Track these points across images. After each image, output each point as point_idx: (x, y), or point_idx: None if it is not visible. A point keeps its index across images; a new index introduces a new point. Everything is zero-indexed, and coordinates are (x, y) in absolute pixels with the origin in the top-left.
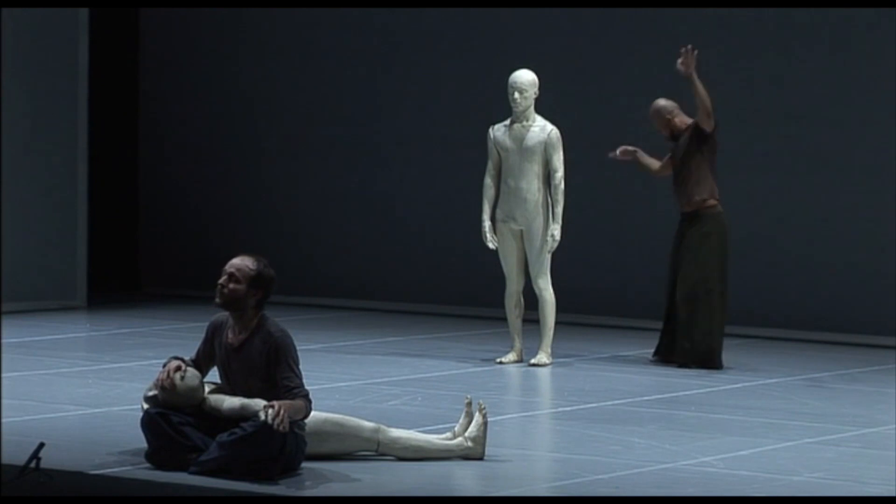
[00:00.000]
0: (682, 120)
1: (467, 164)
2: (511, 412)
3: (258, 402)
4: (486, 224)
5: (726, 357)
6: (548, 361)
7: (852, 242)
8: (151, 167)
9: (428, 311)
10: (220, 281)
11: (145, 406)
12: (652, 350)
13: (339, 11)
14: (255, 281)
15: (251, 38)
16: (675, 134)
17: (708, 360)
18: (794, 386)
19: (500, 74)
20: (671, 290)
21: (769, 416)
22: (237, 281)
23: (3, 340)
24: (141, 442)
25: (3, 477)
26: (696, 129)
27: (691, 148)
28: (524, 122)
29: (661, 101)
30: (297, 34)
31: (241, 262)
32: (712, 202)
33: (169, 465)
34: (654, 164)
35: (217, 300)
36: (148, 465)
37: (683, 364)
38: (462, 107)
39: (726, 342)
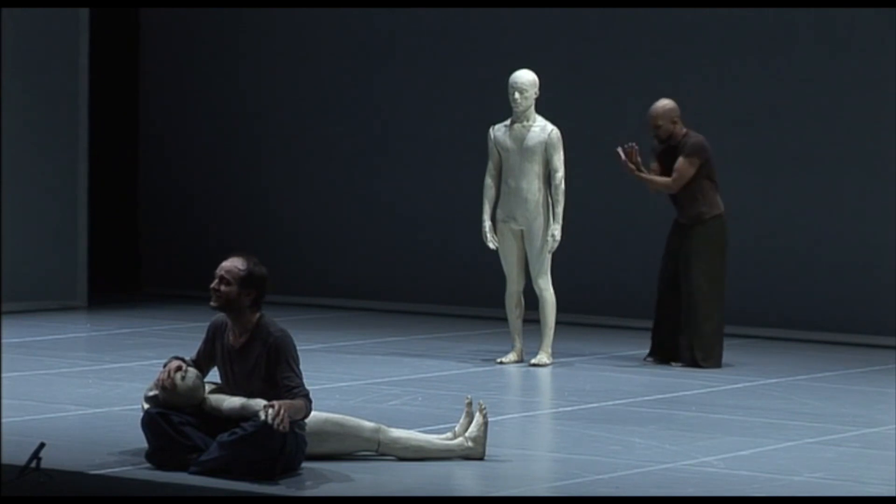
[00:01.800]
0: (681, 129)
1: (468, 164)
2: (511, 412)
3: (258, 402)
4: (487, 224)
5: (726, 357)
6: (548, 361)
7: (852, 242)
8: (151, 167)
9: (428, 311)
10: (212, 285)
11: (146, 406)
12: (647, 351)
13: (339, 12)
14: (246, 281)
15: (251, 38)
16: (670, 139)
17: (712, 360)
18: (794, 386)
19: (501, 75)
20: (665, 292)
21: (769, 416)
22: (228, 283)
23: (3, 340)
24: (141, 442)
25: (4, 477)
26: None
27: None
28: (524, 122)
29: (669, 102)
30: (298, 34)
31: (230, 264)
32: (715, 213)
33: (169, 465)
34: (657, 180)
35: (212, 304)
36: (148, 465)
37: (686, 364)
38: (462, 107)
39: (727, 342)
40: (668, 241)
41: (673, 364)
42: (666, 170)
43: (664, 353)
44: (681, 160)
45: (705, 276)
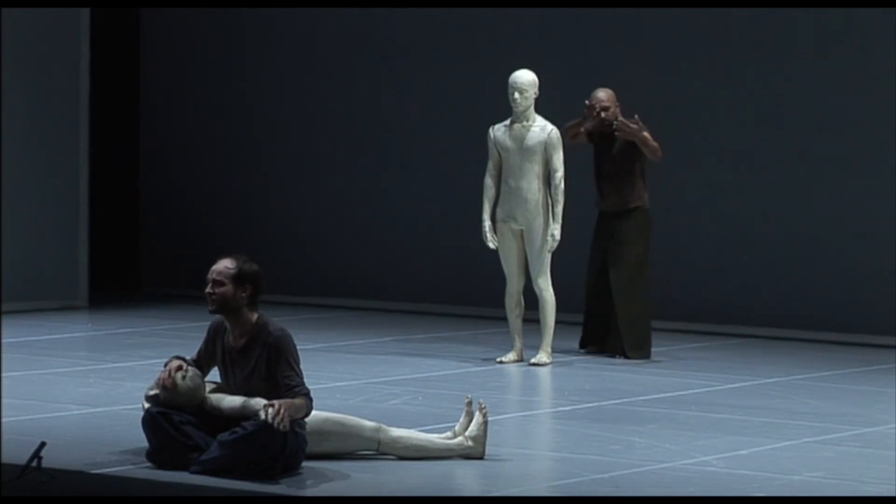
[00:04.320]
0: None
1: (468, 164)
2: (511, 412)
3: (259, 401)
4: (487, 224)
5: (726, 357)
6: (548, 361)
7: (851, 242)
8: (152, 167)
9: (428, 311)
10: (207, 290)
11: (146, 405)
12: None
13: (340, 11)
14: (238, 278)
15: (252, 37)
16: (607, 122)
17: (646, 349)
18: (794, 386)
19: (501, 75)
20: (596, 283)
21: (769, 415)
22: (221, 284)
23: (4, 340)
24: (142, 441)
25: (4, 476)
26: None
27: (628, 151)
28: (524, 122)
29: (608, 89)
30: (299, 34)
31: (220, 266)
32: (640, 203)
33: (170, 465)
34: (652, 142)
35: (210, 308)
36: (149, 464)
37: (623, 355)
38: (463, 107)
39: (727, 342)
40: (595, 233)
41: (604, 355)
42: (601, 154)
43: (599, 344)
44: (646, 133)
45: (631, 266)
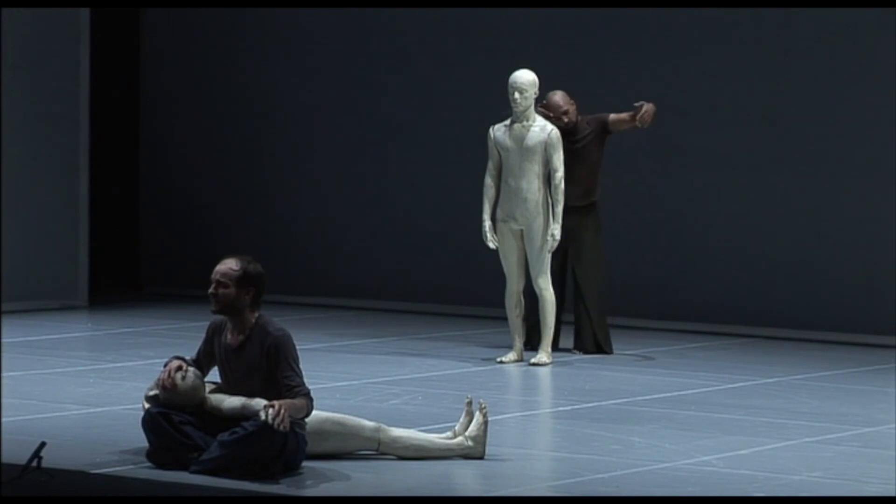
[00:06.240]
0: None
1: (468, 164)
2: (511, 411)
3: (259, 402)
4: (487, 224)
5: (726, 357)
6: (548, 361)
7: (851, 242)
8: (152, 167)
9: (428, 311)
10: (210, 290)
11: (146, 405)
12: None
13: (339, 12)
14: (242, 280)
15: (252, 38)
16: (571, 124)
17: (608, 345)
18: (794, 386)
19: (501, 75)
20: (556, 278)
21: (769, 415)
22: (225, 286)
23: (4, 340)
24: (142, 441)
25: (4, 476)
26: (601, 128)
27: (594, 145)
28: (524, 122)
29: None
30: (299, 34)
31: (224, 267)
32: (596, 198)
33: (170, 465)
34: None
35: (213, 309)
36: (149, 464)
37: (589, 351)
38: (463, 107)
39: (727, 342)
40: (565, 229)
41: (575, 352)
42: (564, 150)
43: (558, 340)
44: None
45: (597, 262)
